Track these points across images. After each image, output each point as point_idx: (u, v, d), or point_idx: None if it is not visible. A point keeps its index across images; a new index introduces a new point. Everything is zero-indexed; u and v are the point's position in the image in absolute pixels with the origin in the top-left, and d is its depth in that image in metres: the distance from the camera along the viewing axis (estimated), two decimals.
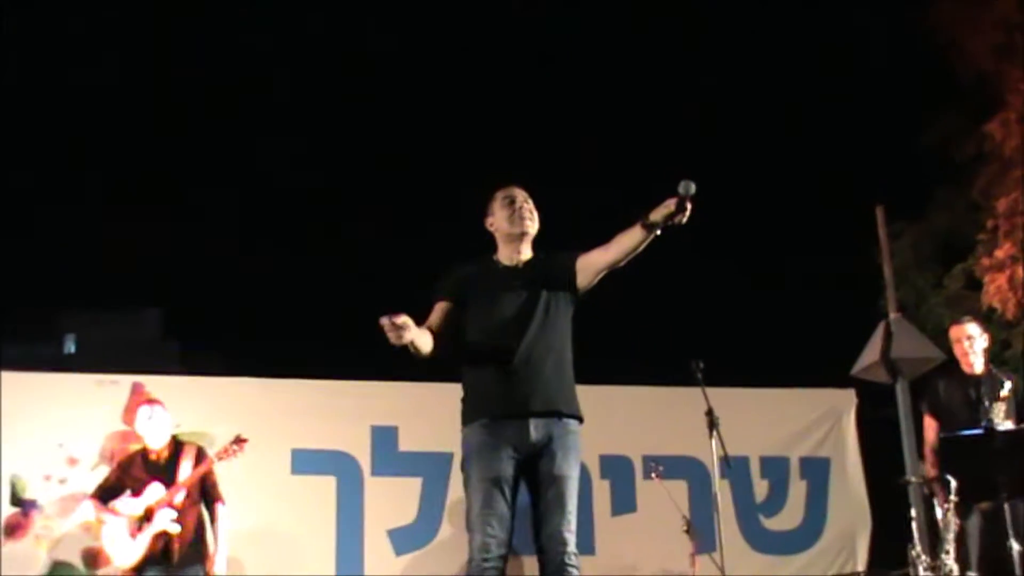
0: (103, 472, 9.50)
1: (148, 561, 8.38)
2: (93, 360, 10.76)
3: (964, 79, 14.80)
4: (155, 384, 9.95)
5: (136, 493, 8.52)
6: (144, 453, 8.71)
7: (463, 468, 6.15)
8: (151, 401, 8.83)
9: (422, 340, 5.96)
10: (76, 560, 9.53)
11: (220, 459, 8.49)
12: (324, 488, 9.88)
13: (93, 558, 9.51)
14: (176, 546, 8.37)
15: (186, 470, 8.54)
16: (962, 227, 15.41)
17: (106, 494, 8.68)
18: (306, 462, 9.71)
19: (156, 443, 8.67)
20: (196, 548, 8.54)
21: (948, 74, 14.57)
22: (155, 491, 8.44)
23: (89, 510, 8.75)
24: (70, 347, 12.69)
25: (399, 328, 5.71)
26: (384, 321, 5.74)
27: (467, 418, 6.14)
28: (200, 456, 8.63)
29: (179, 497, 8.43)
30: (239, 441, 8.52)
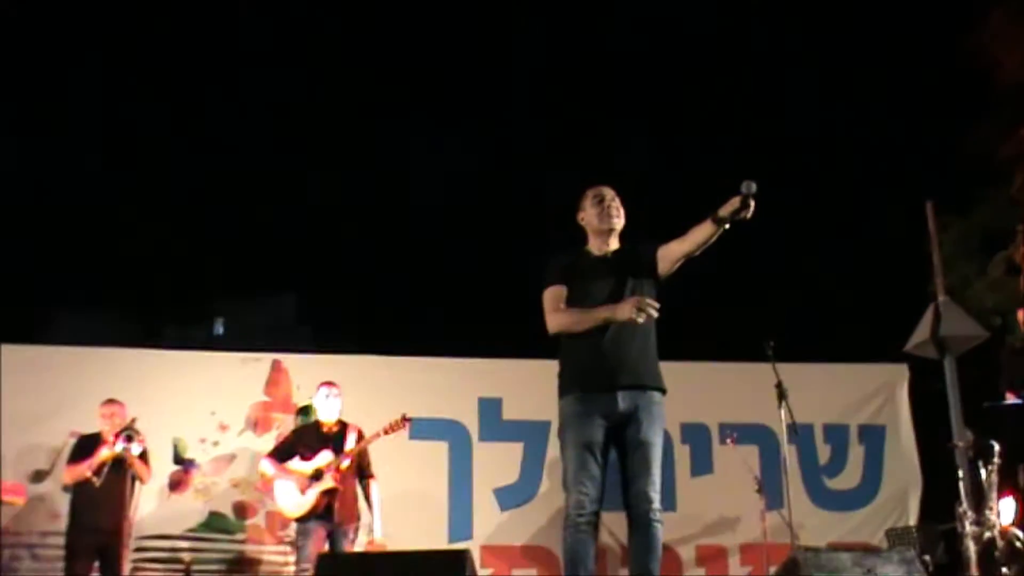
0: (249, 436, 9.93)
1: (312, 514, 8.55)
2: (238, 340, 10.84)
3: (1005, 88, 14.62)
4: (291, 361, 10.19)
5: (306, 457, 8.70)
6: (317, 425, 8.90)
7: (560, 435, 6.15)
8: (330, 384, 8.94)
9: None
10: (228, 511, 9.76)
11: (387, 433, 8.62)
12: (438, 452, 9.95)
13: (243, 509, 9.80)
14: (337, 505, 8.55)
15: (351, 443, 8.71)
16: (1003, 220, 15.20)
17: (281, 454, 8.87)
18: (422, 429, 9.67)
19: (328, 418, 8.84)
20: (352, 511, 8.70)
21: (991, 84, 14.37)
22: (324, 457, 8.62)
23: (267, 466, 8.87)
24: (219, 329, 12.87)
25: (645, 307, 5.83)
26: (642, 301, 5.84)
27: (563, 390, 6.16)
28: (361, 435, 8.79)
29: (344, 464, 8.60)
30: (405, 420, 8.65)
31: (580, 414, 6.01)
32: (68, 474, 8.85)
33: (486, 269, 10.41)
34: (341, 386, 9.01)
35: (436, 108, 11.03)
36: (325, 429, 8.85)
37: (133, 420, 8.62)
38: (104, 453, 8.63)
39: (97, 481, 8.55)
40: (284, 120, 11.07)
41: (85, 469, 8.69)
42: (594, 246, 6.31)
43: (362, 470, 8.81)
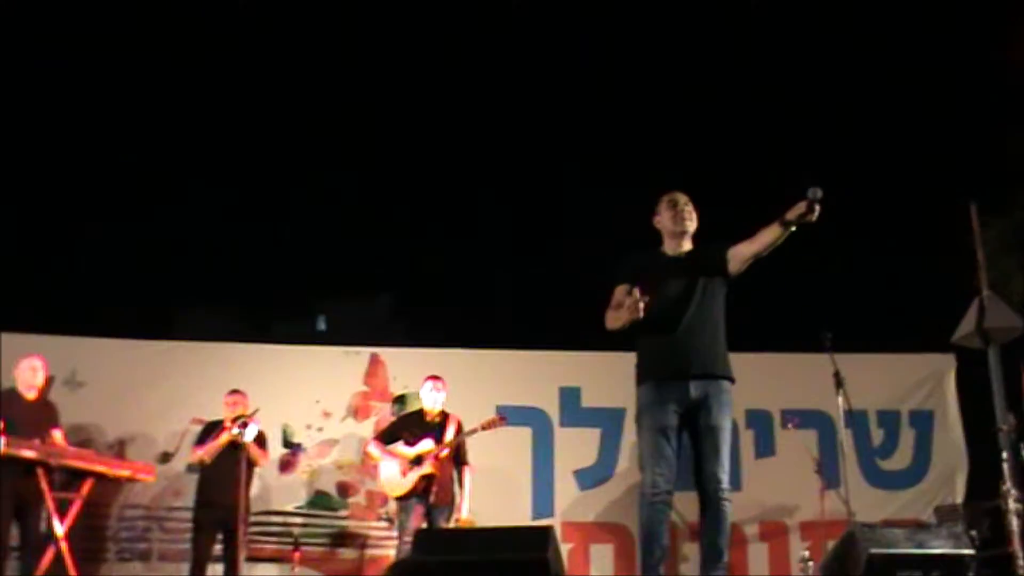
0: (350, 422, 9.95)
1: (412, 495, 8.60)
2: (340, 336, 10.93)
3: None
4: (388, 354, 10.24)
5: (410, 442, 8.76)
6: (422, 413, 8.93)
7: (637, 420, 6.15)
8: (436, 378, 8.97)
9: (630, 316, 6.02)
10: (332, 490, 9.86)
11: (484, 429, 8.67)
12: (522, 437, 9.96)
13: (345, 488, 9.88)
14: (434, 488, 8.59)
15: (450, 433, 8.74)
16: None
17: (386, 438, 8.94)
18: (508, 416, 9.36)
19: (432, 408, 8.88)
20: (447, 493, 8.74)
21: None
22: (426, 444, 8.66)
23: (374, 449, 8.92)
24: (322, 325, 12.99)
25: (638, 303, 5.82)
26: (636, 295, 5.82)
27: (640, 379, 6.16)
28: (460, 425, 8.81)
29: (443, 452, 8.65)
30: (502, 419, 8.73)
31: (655, 401, 6.01)
32: (192, 455, 9.04)
33: (568, 267, 10.38)
34: (444, 382, 9.03)
35: (512, 106, 10.94)
36: (428, 418, 8.87)
37: (256, 411, 8.67)
38: (221, 439, 8.76)
39: (208, 460, 8.72)
40: (386, 125, 11.07)
41: (202, 452, 8.88)
42: (668, 247, 6.31)
43: (459, 458, 8.82)
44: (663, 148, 10.50)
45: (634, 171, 10.30)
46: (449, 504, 8.77)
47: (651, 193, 6.42)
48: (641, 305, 5.83)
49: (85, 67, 10.24)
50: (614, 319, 6.04)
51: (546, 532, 6.02)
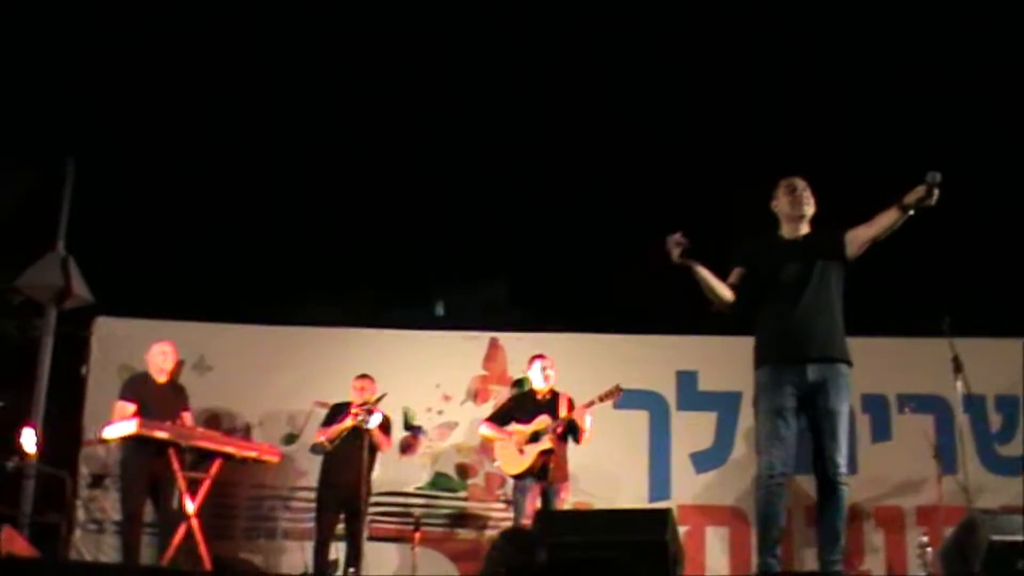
0: (470, 405, 10.04)
1: (528, 473, 8.65)
2: (458, 321, 11.06)
3: None
4: (506, 339, 10.27)
5: (523, 422, 8.81)
6: (532, 393, 8.99)
7: (754, 403, 6.19)
8: (542, 356, 9.02)
9: (714, 282, 6.10)
10: (452, 472, 9.99)
11: (601, 400, 8.65)
12: (640, 420, 9.94)
13: (464, 470, 9.98)
14: (551, 465, 8.61)
15: (563, 410, 8.77)
16: None
17: (499, 419, 9.01)
18: (625, 399, 9.31)
19: (542, 386, 8.93)
20: (563, 471, 8.76)
21: None
22: (542, 421, 8.70)
23: (487, 429, 9.02)
24: (440, 311, 13.14)
25: (677, 245, 5.91)
26: (672, 238, 5.92)
27: (758, 362, 6.18)
28: (571, 403, 8.81)
29: (559, 428, 8.68)
30: (618, 389, 8.68)
31: (773, 384, 6.04)
32: (317, 437, 9.19)
33: (685, 251, 10.35)
34: (552, 360, 9.13)
35: (628, 89, 10.92)
36: (539, 396, 8.91)
37: (383, 396, 8.80)
38: (344, 423, 8.87)
39: (329, 447, 8.83)
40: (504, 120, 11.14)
41: (325, 436, 9.03)
42: (786, 231, 6.33)
43: (574, 434, 8.80)
44: (780, 132, 10.41)
45: (751, 155, 10.24)
46: (566, 482, 8.78)
47: (772, 177, 6.44)
48: (678, 249, 5.90)
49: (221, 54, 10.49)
50: (712, 299, 6.10)
51: (665, 514, 6.13)
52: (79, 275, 9.56)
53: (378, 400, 8.79)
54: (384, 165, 11.56)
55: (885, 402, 9.90)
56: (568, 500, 8.91)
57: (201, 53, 10.39)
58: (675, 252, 5.95)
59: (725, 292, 6.13)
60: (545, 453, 8.63)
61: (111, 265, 10.42)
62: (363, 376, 9.23)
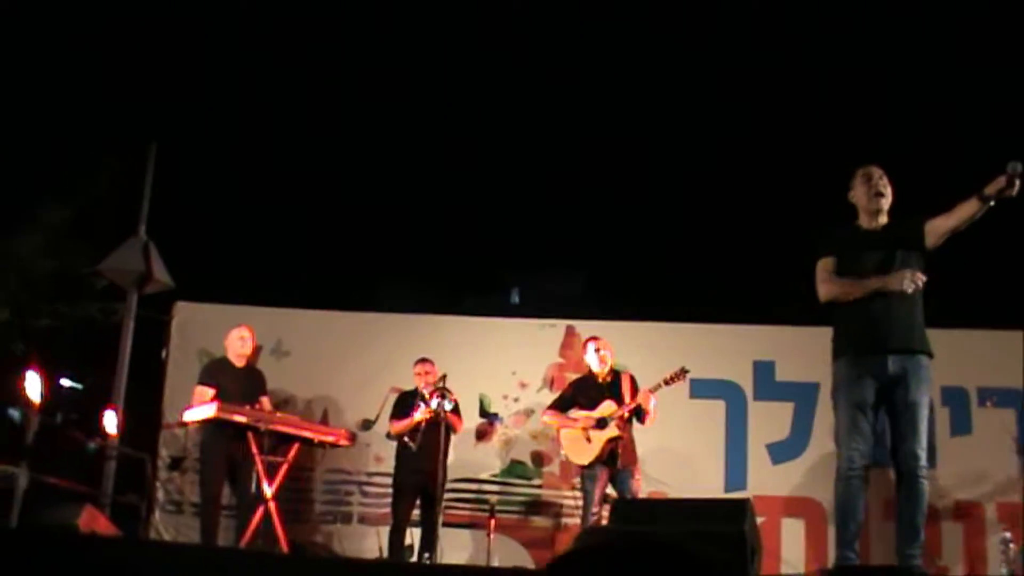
0: (545, 393, 9.93)
1: (597, 460, 8.58)
2: (532, 308, 11.07)
3: None
4: (583, 327, 10.12)
5: (586, 407, 8.74)
6: (592, 376, 8.88)
7: (833, 395, 6.13)
8: (595, 339, 8.97)
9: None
10: (527, 459, 10.01)
11: (667, 384, 8.57)
12: (716, 410, 9.89)
13: (539, 458, 9.97)
14: (620, 451, 8.54)
15: (626, 390, 8.69)
16: None
17: (561, 405, 8.96)
18: (702, 388, 9.70)
19: (601, 369, 8.83)
20: (632, 455, 8.69)
21: None
22: (607, 407, 8.63)
23: (549, 417, 8.99)
24: (515, 298, 13.16)
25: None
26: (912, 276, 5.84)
27: (837, 353, 6.12)
28: (633, 381, 8.74)
29: (624, 412, 8.61)
30: (684, 372, 8.62)
31: (853, 376, 5.98)
32: (393, 427, 9.17)
33: (762, 241, 10.28)
34: (629, 349, 9.09)
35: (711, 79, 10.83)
36: (600, 379, 8.83)
37: (444, 376, 8.80)
38: (415, 417, 8.85)
39: (414, 446, 8.77)
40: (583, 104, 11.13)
41: (404, 430, 8.99)
42: (864, 221, 6.26)
43: (639, 416, 8.70)
44: (857, 118, 10.25)
45: (827, 142, 10.10)
46: (636, 464, 8.71)
47: (849, 166, 6.37)
48: (919, 283, 5.85)
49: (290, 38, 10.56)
50: (843, 291, 6.03)
51: (744, 504, 6.01)
52: (160, 260, 9.62)
53: (442, 381, 8.78)
54: (464, 152, 11.58)
55: (965, 395, 9.69)
56: (640, 482, 8.84)
57: (282, 37, 10.46)
58: (915, 287, 5.88)
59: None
60: (613, 440, 8.55)
61: (191, 250, 10.54)
62: (423, 360, 9.21)
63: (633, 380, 8.81)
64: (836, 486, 6.03)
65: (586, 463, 8.65)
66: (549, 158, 11.45)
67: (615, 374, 8.87)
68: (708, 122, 10.82)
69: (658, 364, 9.10)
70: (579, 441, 8.72)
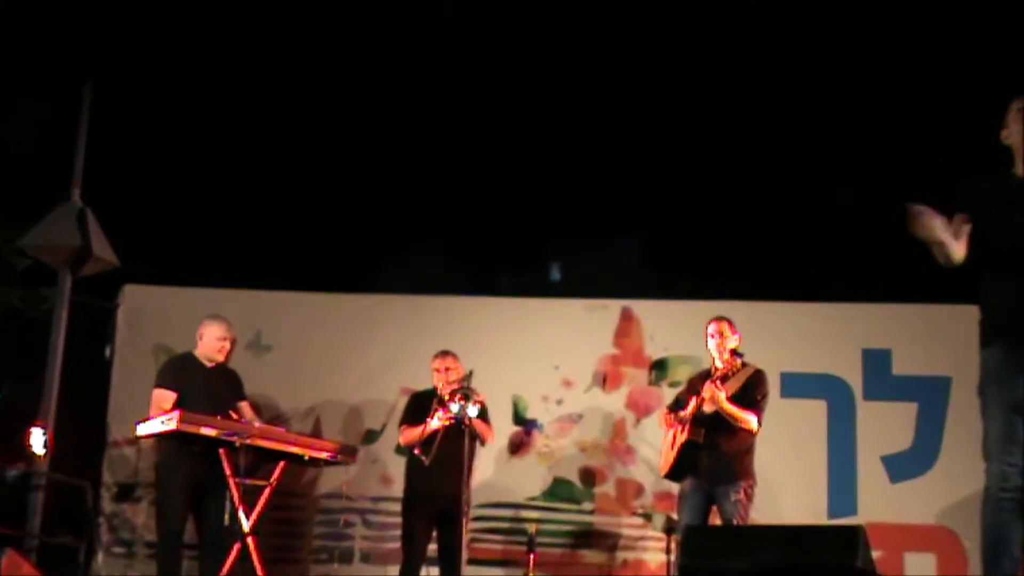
0: (596, 394, 9.95)
1: (673, 473, 8.41)
2: (577, 286, 10.89)
3: None
4: (643, 308, 10.12)
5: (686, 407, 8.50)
6: (709, 371, 8.54)
7: (980, 392, 5.80)
8: (715, 320, 8.62)
9: (953, 246, 5.65)
10: (574, 477, 9.87)
11: (728, 375, 8.21)
12: (814, 412, 9.74)
13: (591, 475, 9.86)
14: (705, 460, 8.19)
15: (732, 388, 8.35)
16: None
17: (676, 406, 8.67)
18: (796, 385, 9.59)
19: (718, 361, 8.49)
20: (724, 466, 8.28)
21: None
22: (693, 404, 8.33)
23: (661, 419, 8.77)
24: (555, 275, 12.95)
25: (918, 215, 5.49)
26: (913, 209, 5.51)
27: (986, 338, 5.77)
28: (752, 376, 8.39)
29: (687, 413, 8.32)
30: (735, 354, 8.27)
31: (1007, 369, 5.62)
32: (403, 436, 9.02)
33: (871, 197, 9.97)
34: (699, 336, 8.70)
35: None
36: (717, 373, 8.44)
37: (470, 373, 8.62)
38: (430, 425, 8.64)
39: (426, 459, 8.58)
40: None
41: (417, 440, 8.78)
42: (1020, 168, 5.89)
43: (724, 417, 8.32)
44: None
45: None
46: (730, 483, 8.26)
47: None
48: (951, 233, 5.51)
49: None
50: (938, 255, 5.66)
51: (854, 534, 5.93)
52: (100, 232, 9.51)
53: (467, 380, 8.55)
54: (486, 94, 11.37)
55: None
56: (746, 503, 8.35)
57: None
58: (920, 226, 5.51)
59: (956, 250, 5.68)
60: (690, 447, 8.23)
61: (141, 219, 10.44)
62: (444, 353, 9.04)
63: (754, 375, 8.42)
64: (983, 511, 5.70)
65: (663, 473, 8.59)
66: (593, 96, 11.22)
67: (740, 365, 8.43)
68: (792, 60, 10.56)
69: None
70: (666, 448, 8.56)
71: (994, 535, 5.62)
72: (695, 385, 8.55)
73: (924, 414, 9.60)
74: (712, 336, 8.48)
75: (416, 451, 8.75)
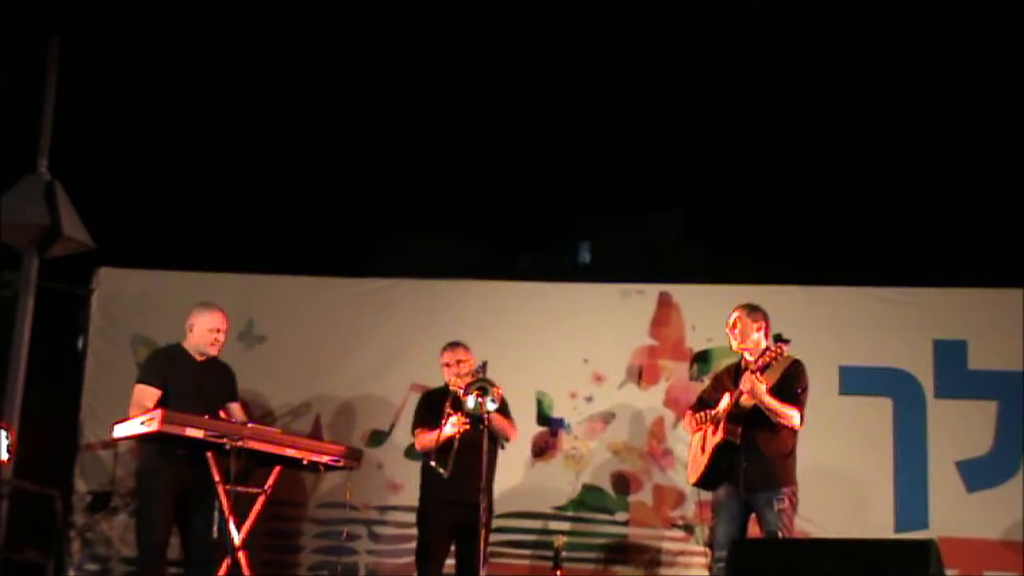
0: (631, 389, 9.93)
1: (705, 480, 8.26)
2: (609, 268, 10.84)
3: None
4: (683, 294, 10.07)
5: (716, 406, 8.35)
6: (739, 364, 8.43)
7: None
8: (739, 308, 8.48)
9: None
10: (606, 484, 9.85)
11: (763, 366, 8.04)
12: (879, 411, 9.66)
13: (624, 482, 9.84)
14: (743, 465, 8.04)
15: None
16: None
17: (700, 407, 8.54)
18: (857, 380, 9.56)
19: (748, 354, 8.35)
20: (762, 471, 8.12)
21: None
22: (724, 401, 8.18)
23: (686, 422, 8.65)
24: (585, 256, 12.94)
25: None
26: None
27: None
28: (790, 370, 8.18)
29: (721, 410, 8.17)
30: (781, 343, 8.02)
31: None
32: (418, 440, 8.90)
33: (944, 168, 9.89)
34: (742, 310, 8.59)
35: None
36: (744, 366, 8.33)
37: (483, 364, 8.53)
38: (449, 428, 8.50)
39: (445, 472, 8.44)
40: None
41: (432, 445, 8.62)
42: None
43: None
44: None
45: None
46: (773, 489, 8.11)
47: None
48: None
49: None
50: None
51: (926, 549, 6.06)
52: (71, 208, 9.47)
53: (481, 372, 8.44)
54: (507, 59, 11.34)
55: None
56: (791, 512, 8.21)
57: None
58: None
59: None
60: (724, 450, 8.09)
61: (117, 194, 10.45)
62: (454, 345, 8.96)
63: (791, 366, 8.24)
64: None
65: (694, 480, 8.43)
66: (620, 53, 11.15)
67: (771, 355, 8.21)
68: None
69: (795, 344, 8.42)
70: (696, 452, 8.42)
71: None
72: (722, 381, 8.45)
73: (1005, 414, 9.53)
74: (729, 328, 8.39)
75: (432, 463, 8.59)
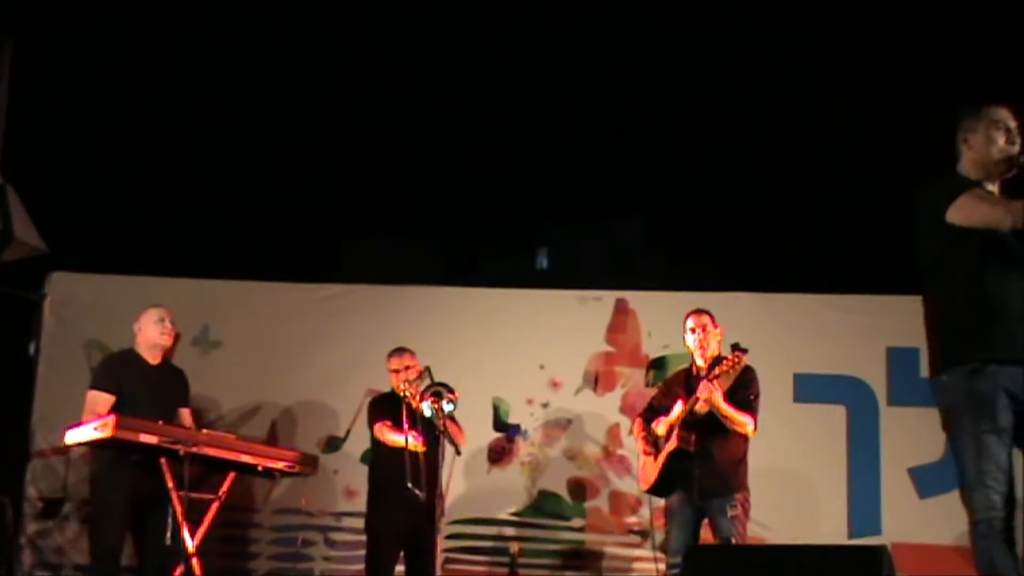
0: (587, 396, 9.94)
1: (659, 488, 8.23)
2: (569, 275, 10.85)
3: None
4: (640, 300, 10.10)
5: (668, 413, 8.34)
6: (687, 371, 8.45)
7: (951, 418, 6.33)
8: (693, 314, 8.46)
9: None
10: (562, 491, 9.87)
11: (717, 374, 8.00)
12: (833, 419, 9.74)
13: (581, 488, 9.85)
14: (695, 473, 7.96)
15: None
16: None
17: (650, 414, 8.49)
18: (812, 388, 9.63)
19: (699, 358, 8.34)
20: (716, 477, 8.08)
21: None
22: (677, 408, 8.16)
23: (636, 430, 8.59)
24: (543, 262, 12.99)
25: None
26: None
27: (957, 356, 6.05)
28: (744, 375, 8.17)
29: (674, 418, 8.14)
30: (738, 352, 8.00)
31: (988, 391, 5.99)
32: (385, 436, 8.76)
33: (898, 177, 9.97)
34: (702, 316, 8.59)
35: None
36: (696, 372, 8.32)
37: (427, 369, 8.47)
38: (404, 438, 8.44)
39: (421, 494, 8.30)
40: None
41: (395, 444, 8.60)
42: None
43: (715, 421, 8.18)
44: None
45: None
46: (727, 495, 8.10)
47: None
48: None
49: None
50: (992, 217, 5.69)
51: (879, 554, 5.99)
52: (23, 213, 9.38)
53: (426, 377, 8.39)
54: (468, 63, 11.36)
55: None
56: (744, 519, 8.21)
57: None
58: None
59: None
60: (675, 457, 8.07)
61: (71, 198, 10.33)
62: (401, 351, 8.93)
63: (744, 373, 8.19)
64: (978, 544, 6.00)
65: (647, 487, 8.39)
66: (584, 61, 11.19)
67: (719, 362, 8.22)
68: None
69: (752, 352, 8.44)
70: (649, 460, 8.38)
71: (988, 566, 5.85)
72: (673, 388, 8.41)
73: None
74: (692, 331, 8.33)
75: (408, 485, 8.35)
